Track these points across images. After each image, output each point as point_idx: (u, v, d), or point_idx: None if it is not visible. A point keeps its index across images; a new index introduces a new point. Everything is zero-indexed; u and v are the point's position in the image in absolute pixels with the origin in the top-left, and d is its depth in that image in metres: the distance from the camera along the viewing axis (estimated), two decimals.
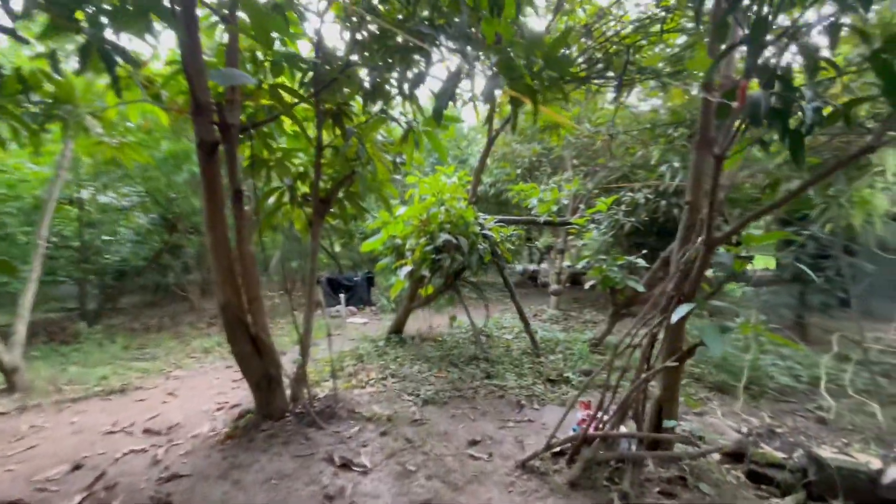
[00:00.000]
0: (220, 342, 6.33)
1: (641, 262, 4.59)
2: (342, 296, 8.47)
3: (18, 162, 6.81)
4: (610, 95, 6.62)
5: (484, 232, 5.06)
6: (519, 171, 8.11)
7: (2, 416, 3.67)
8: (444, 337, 6.05)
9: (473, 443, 2.93)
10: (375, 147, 3.69)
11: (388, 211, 3.88)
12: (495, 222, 5.17)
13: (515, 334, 6.09)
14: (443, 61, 2.79)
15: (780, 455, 2.49)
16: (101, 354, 5.41)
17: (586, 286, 5.00)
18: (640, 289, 4.48)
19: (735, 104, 1.68)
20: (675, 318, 2.09)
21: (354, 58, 2.95)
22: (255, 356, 3.16)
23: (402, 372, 4.53)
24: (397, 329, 6.11)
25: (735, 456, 2.67)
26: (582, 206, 6.42)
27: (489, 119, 5.53)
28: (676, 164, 4.71)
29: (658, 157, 5.49)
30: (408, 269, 4.68)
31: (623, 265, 4.68)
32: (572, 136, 6.79)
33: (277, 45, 2.88)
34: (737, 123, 1.78)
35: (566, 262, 7.65)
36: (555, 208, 5.76)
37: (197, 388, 4.39)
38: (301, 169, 3.82)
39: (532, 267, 11.25)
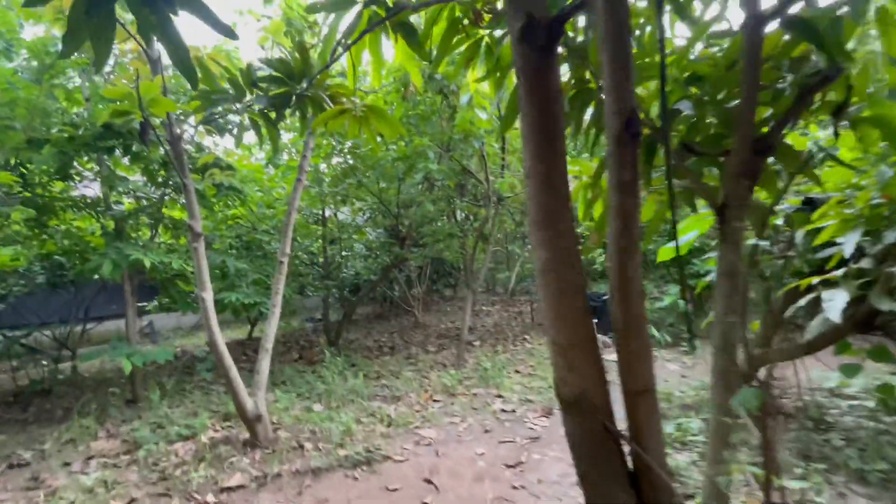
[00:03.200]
0: (461, 379, 5.05)
1: None
2: (595, 321, 6.43)
3: (271, 182, 7.04)
4: None
5: None
6: None
7: (238, 491, 2.81)
8: (839, 413, 3.38)
9: None
10: None
11: None
12: None
13: None
14: None
15: None
16: (342, 388, 4.65)
17: None
18: None
19: None
20: None
21: None
22: None
23: None
24: None
25: None
26: None
27: None
28: None
29: None
30: (842, 295, 2.30)
31: None
32: None
33: None
34: None
35: None
36: None
37: (460, 472, 2.94)
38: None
39: None
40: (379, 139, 5.74)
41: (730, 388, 1.63)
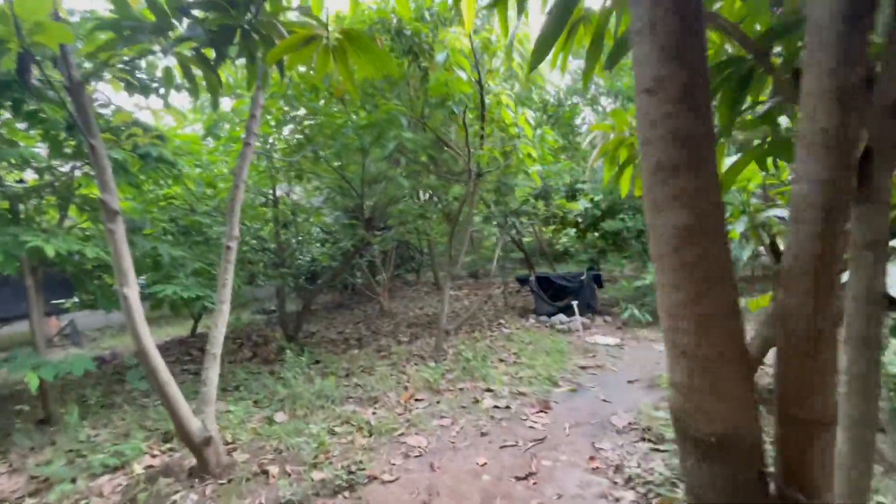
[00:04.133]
0: (444, 372, 4.57)
1: None
2: (575, 303, 6.14)
3: (211, 155, 6.11)
4: None
5: None
6: None
7: None
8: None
9: None
10: None
11: None
12: None
13: None
14: None
15: None
16: (307, 391, 4.03)
17: None
18: None
19: None
20: None
21: None
22: None
23: None
24: None
25: None
26: None
27: None
28: None
29: None
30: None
31: None
32: None
33: None
34: None
35: None
36: None
37: (463, 492, 2.47)
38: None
39: None
40: (337, 108, 4.96)
41: (870, 395, 1.22)
